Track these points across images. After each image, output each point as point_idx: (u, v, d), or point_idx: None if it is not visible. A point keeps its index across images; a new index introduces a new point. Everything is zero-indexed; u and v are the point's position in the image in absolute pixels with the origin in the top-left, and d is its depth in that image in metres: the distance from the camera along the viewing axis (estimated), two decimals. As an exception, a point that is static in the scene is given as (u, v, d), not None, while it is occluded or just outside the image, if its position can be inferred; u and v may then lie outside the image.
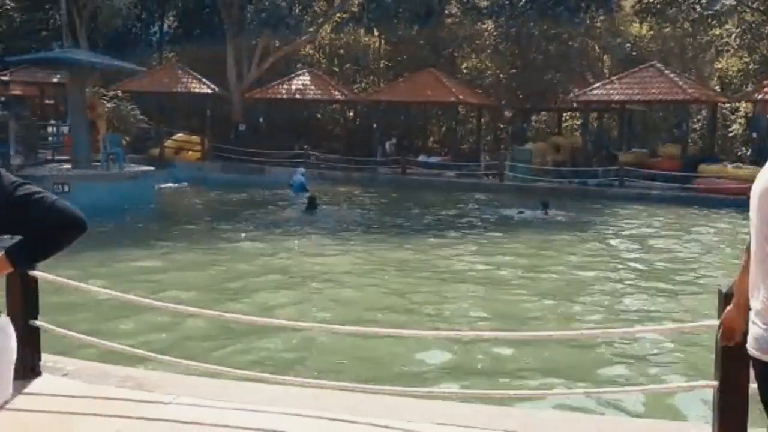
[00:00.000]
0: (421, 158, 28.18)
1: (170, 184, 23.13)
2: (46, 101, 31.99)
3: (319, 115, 34.75)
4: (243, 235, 14.82)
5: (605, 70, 34.34)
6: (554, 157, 25.60)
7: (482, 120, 31.75)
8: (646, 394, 5.65)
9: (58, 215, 2.14)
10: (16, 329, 4.25)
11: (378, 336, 6.15)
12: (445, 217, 18.33)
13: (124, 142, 19.40)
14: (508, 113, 33.56)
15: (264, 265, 11.74)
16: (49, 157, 19.70)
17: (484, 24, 33.95)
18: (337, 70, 36.76)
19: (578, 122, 33.73)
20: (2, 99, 24.32)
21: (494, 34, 33.49)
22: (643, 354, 7.12)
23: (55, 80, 28.32)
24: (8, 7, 34.67)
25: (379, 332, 3.92)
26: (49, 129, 21.78)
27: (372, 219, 17.97)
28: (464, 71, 35.04)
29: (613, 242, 15.04)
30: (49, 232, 2.15)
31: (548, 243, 14.47)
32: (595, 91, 26.16)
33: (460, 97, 28.19)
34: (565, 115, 33.50)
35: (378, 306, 8.95)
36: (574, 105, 29.17)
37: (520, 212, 18.28)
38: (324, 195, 20.55)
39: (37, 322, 4.32)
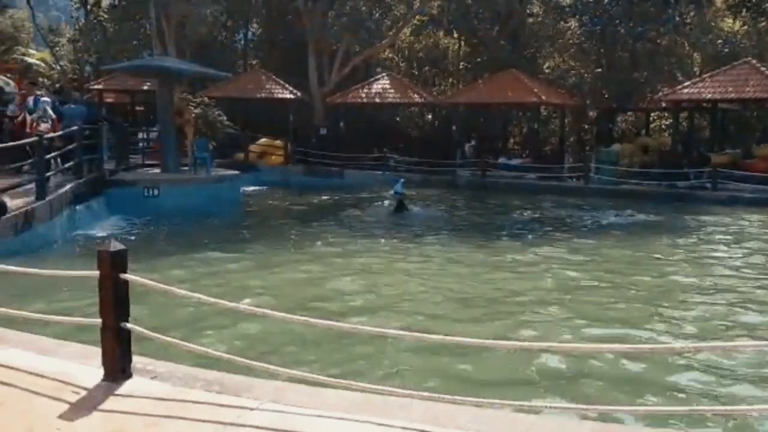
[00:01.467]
0: (502, 160, 27.74)
1: (254, 187, 23.65)
2: (137, 108, 33.30)
3: (398, 119, 34.79)
4: (329, 236, 14.95)
5: (695, 68, 32.93)
6: (642, 158, 24.69)
7: (565, 121, 31.01)
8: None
9: None
10: (108, 331, 4.38)
11: (469, 347, 6.00)
12: (529, 221, 17.96)
13: (210, 147, 19.92)
14: (592, 113, 32.64)
15: (349, 266, 11.77)
16: (140, 162, 20.45)
17: (567, 23, 33.17)
18: (416, 72, 36.72)
19: (667, 122, 32.46)
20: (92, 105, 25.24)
21: (578, 32, 32.67)
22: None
23: (145, 87, 29.43)
24: (102, 18, 36.32)
25: (472, 343, 3.77)
26: (140, 135, 22.59)
27: (456, 222, 17.81)
28: (546, 71, 34.33)
29: (706, 247, 14.33)
30: None
31: (637, 247, 13.93)
32: (685, 90, 25.09)
33: (543, 97, 27.59)
34: (652, 115, 32.30)
35: (464, 315, 8.76)
36: (663, 104, 28.08)
37: (616, 215, 17.85)
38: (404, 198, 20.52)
39: (128, 325, 4.39)
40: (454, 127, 30.75)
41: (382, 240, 14.68)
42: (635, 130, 32.77)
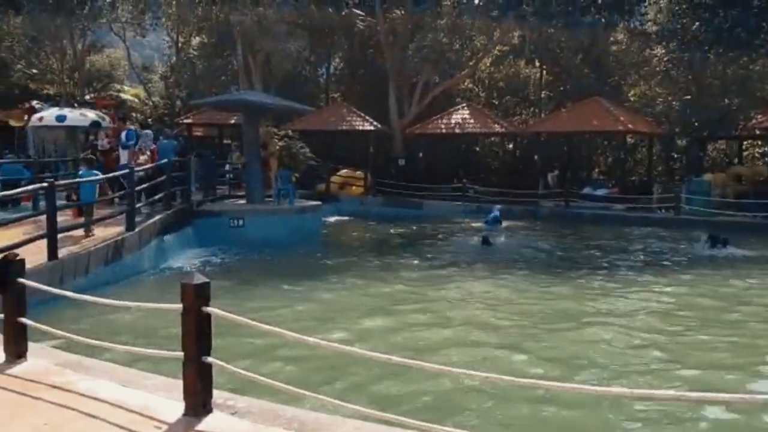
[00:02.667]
0: (586, 190, 27.02)
1: (335, 218, 23.86)
2: (225, 141, 34.38)
3: (477, 149, 34.55)
4: (409, 268, 14.79)
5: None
6: (735, 188, 23.52)
7: (653, 149, 29.99)
8: None
9: None
10: (190, 365, 4.36)
11: (554, 391, 5.70)
12: (616, 253, 17.27)
13: (293, 179, 20.24)
14: (681, 142, 31.48)
15: (430, 299, 11.56)
16: (226, 193, 20.98)
17: (653, 50, 32.29)
18: (497, 102, 36.48)
19: (761, 150, 30.92)
20: (181, 139, 26.22)
21: (665, 59, 31.72)
22: None
23: (232, 121, 30.37)
24: (192, 55, 37.89)
25: (562, 388, 3.53)
26: (227, 167, 23.24)
27: (540, 254, 17.26)
28: (632, 99, 33.45)
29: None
30: None
31: (735, 283, 13.14)
32: (782, 116, 23.88)
33: (629, 125, 26.81)
34: (745, 143, 30.86)
35: (548, 354, 8.39)
36: (757, 132, 26.77)
37: (712, 245, 16.87)
38: (478, 230, 20.26)
39: (209, 359, 4.36)
40: (536, 157, 30.24)
41: (465, 272, 14.40)
42: (727, 159, 31.36)
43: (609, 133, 29.37)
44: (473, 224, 22.75)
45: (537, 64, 34.67)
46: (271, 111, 22.57)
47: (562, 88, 33.69)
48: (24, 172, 18.73)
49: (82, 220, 12.52)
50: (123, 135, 16.88)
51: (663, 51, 31.35)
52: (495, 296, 11.90)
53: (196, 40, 38.81)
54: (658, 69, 32.79)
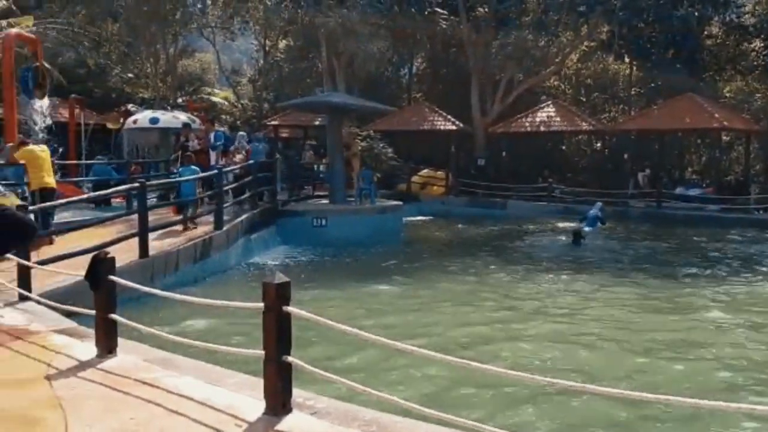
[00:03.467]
0: (679, 190, 25.92)
1: (416, 218, 23.81)
2: (309, 142, 34.92)
3: (563, 147, 33.75)
4: (490, 269, 14.57)
5: None
6: None
7: (750, 148, 28.47)
8: None
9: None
10: (270, 364, 4.39)
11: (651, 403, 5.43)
12: (715, 257, 16.44)
13: (375, 179, 20.33)
14: (782, 139, 29.76)
15: (515, 302, 11.32)
16: (310, 193, 21.29)
17: (751, 43, 30.67)
18: (584, 99, 35.53)
19: None
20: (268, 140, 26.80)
21: (763, 53, 30.06)
22: None
23: (317, 122, 30.81)
24: (279, 59, 38.70)
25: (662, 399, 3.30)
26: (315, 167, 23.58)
27: (632, 257, 16.64)
28: (727, 95, 31.86)
29: None
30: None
31: None
32: None
33: (725, 123, 25.54)
34: None
35: (647, 367, 8.01)
36: None
37: None
38: (566, 231, 19.71)
39: (290, 358, 4.37)
40: (625, 156, 29.25)
41: (554, 274, 14.02)
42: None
43: (703, 130, 28.09)
44: (559, 225, 22.23)
45: (626, 59, 33.55)
46: (354, 112, 22.76)
47: (652, 85, 32.46)
48: (112, 173, 19.61)
49: (176, 217, 13.04)
50: (212, 136, 17.40)
51: (762, 44, 29.72)
52: (588, 300, 11.54)
53: (282, 44, 39.59)
54: (756, 63, 31.14)
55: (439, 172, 28.94)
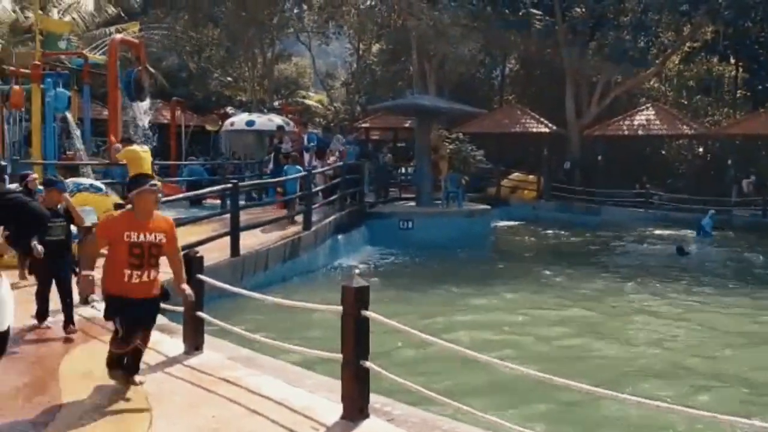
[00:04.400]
0: (787, 199, 24.37)
1: (506, 222, 23.43)
2: (399, 144, 35.06)
3: (663, 152, 32.42)
4: (581, 278, 14.06)
5: None
6: None
7: None
8: None
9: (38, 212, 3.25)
10: (348, 368, 4.39)
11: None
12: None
13: (463, 182, 20.14)
14: None
15: (613, 314, 10.89)
16: (398, 196, 21.34)
17: None
18: (686, 102, 34.03)
19: None
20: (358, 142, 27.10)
21: None
22: None
23: (406, 124, 30.89)
24: (371, 62, 39.08)
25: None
26: (402, 170, 23.64)
27: (738, 268, 15.71)
28: None
29: None
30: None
31: None
32: None
33: (841, 127, 23.86)
34: None
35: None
36: None
37: None
38: (665, 239, 18.90)
39: (367, 363, 4.36)
40: (729, 162, 27.80)
41: (654, 285, 13.37)
42: None
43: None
44: (657, 232, 21.36)
45: (732, 61, 31.89)
46: (443, 114, 22.64)
47: (760, 87, 30.70)
48: (204, 173, 20.34)
49: (270, 216, 13.46)
50: (305, 138, 17.76)
51: None
52: (695, 314, 10.95)
53: (375, 47, 39.95)
54: None
55: (530, 176, 28.39)
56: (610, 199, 26.10)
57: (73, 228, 7.02)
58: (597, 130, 29.22)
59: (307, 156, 17.63)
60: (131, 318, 4.63)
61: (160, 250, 4.70)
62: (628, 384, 7.20)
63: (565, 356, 8.52)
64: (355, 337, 4.36)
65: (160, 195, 4.77)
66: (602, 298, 12.20)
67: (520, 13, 29.49)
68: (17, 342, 5.88)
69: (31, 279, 7.74)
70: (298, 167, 14.87)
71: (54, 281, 6.50)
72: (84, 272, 4.65)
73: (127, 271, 4.55)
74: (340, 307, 4.41)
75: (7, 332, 3.24)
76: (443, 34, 25.88)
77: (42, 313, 6.53)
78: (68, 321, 6.34)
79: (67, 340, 6.18)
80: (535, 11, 29.61)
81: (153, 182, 4.67)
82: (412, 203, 19.89)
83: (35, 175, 8.88)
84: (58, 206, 6.64)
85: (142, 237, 4.57)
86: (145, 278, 4.61)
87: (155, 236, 4.64)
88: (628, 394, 3.68)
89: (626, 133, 28.79)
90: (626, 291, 12.91)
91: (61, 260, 6.51)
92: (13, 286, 6.80)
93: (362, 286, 4.40)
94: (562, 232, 21.83)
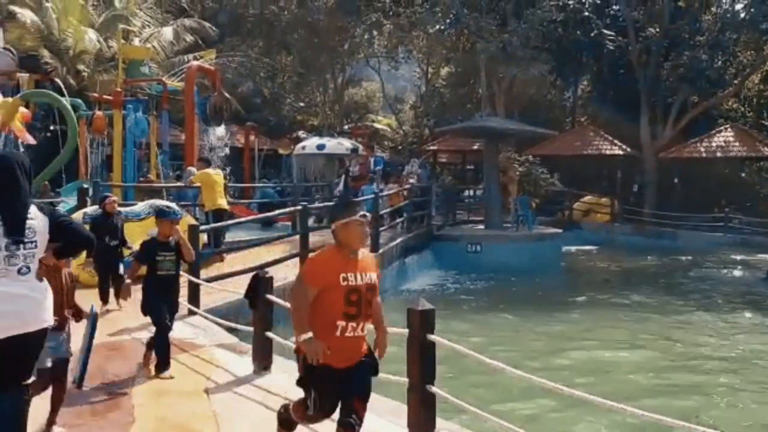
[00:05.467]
0: None
1: (577, 247, 22.92)
2: (467, 167, 34.93)
3: (742, 174, 31.16)
4: (657, 307, 13.49)
5: None
6: None
7: None
8: None
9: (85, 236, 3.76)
10: (414, 392, 4.35)
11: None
12: None
13: (533, 205, 19.87)
14: None
15: (695, 346, 10.38)
16: (465, 218, 21.22)
17: None
18: (767, 123, 32.68)
19: None
20: (428, 166, 27.21)
21: None
22: None
23: (475, 147, 30.77)
24: (440, 85, 39.24)
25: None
26: (466, 192, 23.54)
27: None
28: None
29: None
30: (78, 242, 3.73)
31: None
32: None
33: None
34: None
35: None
36: None
37: None
38: (746, 265, 18.07)
39: (433, 388, 4.32)
40: (816, 185, 26.52)
41: (739, 314, 12.79)
42: None
43: None
44: (737, 257, 20.48)
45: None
46: (512, 136, 22.46)
47: None
48: (276, 195, 20.77)
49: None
50: (371, 161, 17.95)
51: None
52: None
53: (444, 71, 40.11)
54: None
55: (603, 199, 27.76)
56: (687, 222, 25.22)
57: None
58: (673, 152, 28.37)
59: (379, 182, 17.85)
60: (340, 390, 3.63)
61: (374, 294, 3.77)
62: (711, 417, 6.90)
63: (643, 387, 8.22)
64: (421, 361, 4.34)
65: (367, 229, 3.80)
66: (680, 327, 11.71)
67: (592, 34, 29.10)
68: (95, 359, 6.09)
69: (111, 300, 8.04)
70: (373, 188, 15.12)
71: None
72: (304, 337, 3.49)
73: (341, 323, 3.59)
74: (406, 330, 4.40)
75: (43, 331, 3.51)
76: (512, 56, 25.75)
77: (165, 363, 5.76)
78: (164, 363, 5.75)
79: (146, 362, 5.93)
80: (607, 32, 29.16)
81: (363, 212, 3.72)
82: (481, 226, 19.73)
83: (114, 198, 9.11)
84: (169, 238, 6.12)
85: (358, 279, 3.66)
86: (359, 332, 3.67)
87: (370, 276, 3.72)
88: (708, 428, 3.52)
89: (704, 155, 27.84)
90: (708, 319, 12.36)
91: (171, 296, 6.03)
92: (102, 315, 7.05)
93: (428, 309, 4.38)
94: (637, 257, 21.18)
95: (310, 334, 3.48)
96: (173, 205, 11.25)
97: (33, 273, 3.42)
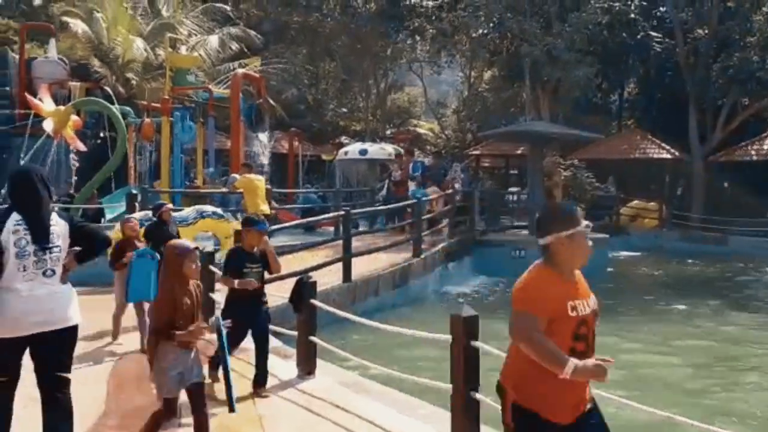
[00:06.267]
0: None
1: (625, 253, 22.50)
2: (511, 171, 34.64)
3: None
4: (708, 316, 13.08)
5: None
6: None
7: None
8: None
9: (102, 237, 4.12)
10: (457, 399, 4.33)
11: None
12: None
13: (579, 209, 19.58)
14: None
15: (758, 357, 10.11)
16: (509, 224, 21.01)
17: None
18: (824, 125, 31.66)
19: None
20: (470, 170, 27.09)
21: None
22: None
23: (518, 151, 30.51)
24: (482, 89, 39.06)
25: None
26: (510, 197, 23.31)
27: None
28: None
29: None
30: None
31: None
32: None
33: None
34: None
35: None
36: None
37: None
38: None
39: (477, 395, 4.29)
40: None
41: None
42: None
43: None
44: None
45: None
46: (556, 140, 22.20)
47: None
48: (317, 201, 20.92)
49: (381, 243, 13.62)
50: (410, 167, 17.94)
51: None
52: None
53: (487, 75, 39.89)
54: None
55: (651, 204, 27.23)
56: (737, 227, 24.57)
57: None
58: (722, 156, 27.70)
59: (412, 185, 17.79)
60: None
61: (596, 324, 3.01)
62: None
63: (693, 400, 8.01)
64: (464, 368, 4.31)
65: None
66: (735, 337, 11.36)
67: (639, 36, 28.63)
68: (140, 362, 6.21)
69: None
70: (424, 191, 15.19)
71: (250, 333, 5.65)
72: (573, 366, 2.72)
73: None
74: (449, 336, 4.38)
75: (72, 329, 3.82)
76: (557, 59, 25.48)
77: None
78: (261, 381, 5.48)
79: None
80: (654, 33, 28.67)
81: (587, 222, 3.01)
82: (525, 231, 19.52)
83: (170, 206, 9.03)
84: (254, 249, 5.63)
85: (585, 307, 2.96)
86: None
87: (593, 302, 3.07)
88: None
89: (755, 158, 27.12)
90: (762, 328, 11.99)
91: (256, 311, 5.57)
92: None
93: (471, 315, 4.36)
94: (687, 263, 20.69)
95: (576, 361, 2.72)
96: (220, 210, 11.42)
97: (58, 276, 3.76)
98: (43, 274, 3.68)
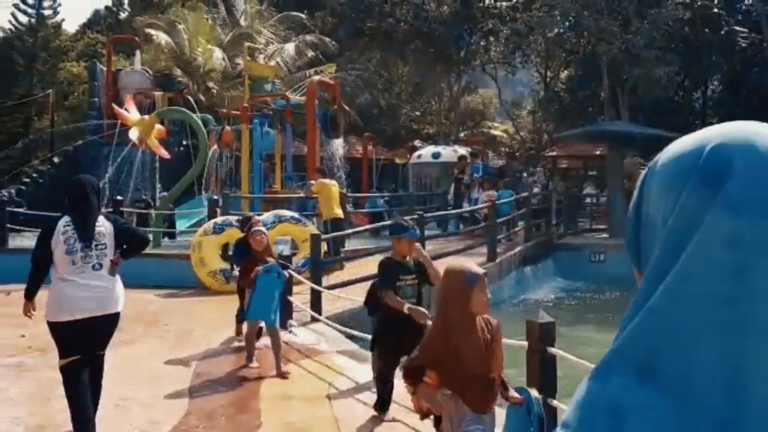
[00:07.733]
0: None
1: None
2: (589, 173, 33.85)
3: None
4: None
5: None
6: None
7: None
8: None
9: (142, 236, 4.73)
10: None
11: None
12: None
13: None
14: None
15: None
16: (587, 227, 20.57)
17: None
18: None
19: None
20: (547, 172, 26.64)
21: None
22: None
23: (597, 152, 29.80)
24: (559, 89, 38.35)
25: None
26: (588, 199, 22.82)
27: None
28: None
29: None
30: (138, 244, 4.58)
31: None
32: None
33: None
34: None
35: None
36: None
37: None
38: None
39: (555, 402, 4.23)
40: None
41: None
42: None
43: None
44: None
45: None
46: (636, 140, 21.59)
47: None
48: (383, 205, 21.06)
49: (454, 246, 13.60)
50: (471, 169, 17.95)
51: None
52: None
53: (564, 74, 39.16)
54: None
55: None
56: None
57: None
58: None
59: (476, 189, 17.77)
60: None
61: None
62: None
63: None
64: (541, 375, 4.26)
65: None
66: None
67: (722, 32, 27.54)
68: (223, 364, 6.40)
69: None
70: (511, 191, 15.22)
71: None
72: None
73: None
74: (525, 343, 4.34)
75: (115, 315, 4.43)
76: (636, 57, 24.79)
77: (382, 404, 5.01)
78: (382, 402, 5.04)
79: (282, 375, 5.94)
80: (739, 28, 27.51)
81: None
82: (604, 234, 19.07)
83: (259, 218, 8.19)
84: (407, 258, 4.95)
85: None
86: None
87: None
88: None
89: None
90: None
91: (410, 334, 4.48)
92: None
93: (548, 321, 4.30)
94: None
95: None
96: (297, 214, 11.60)
97: (105, 269, 4.33)
98: (92, 267, 4.27)
